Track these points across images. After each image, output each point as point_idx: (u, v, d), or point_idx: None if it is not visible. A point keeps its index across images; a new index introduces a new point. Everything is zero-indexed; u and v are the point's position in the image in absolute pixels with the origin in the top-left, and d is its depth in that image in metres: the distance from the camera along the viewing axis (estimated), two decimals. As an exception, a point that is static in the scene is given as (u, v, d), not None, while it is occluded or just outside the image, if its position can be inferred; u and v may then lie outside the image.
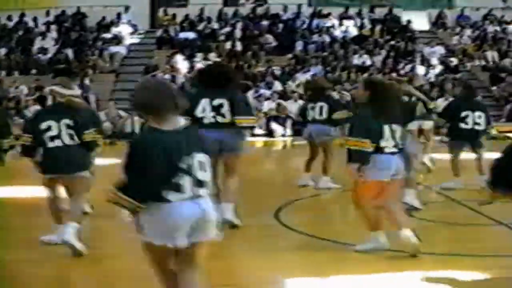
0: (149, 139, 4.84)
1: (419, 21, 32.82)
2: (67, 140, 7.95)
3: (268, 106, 25.05)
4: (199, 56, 28.87)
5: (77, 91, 8.72)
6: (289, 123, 24.33)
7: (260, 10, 32.83)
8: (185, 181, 4.75)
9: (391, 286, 6.70)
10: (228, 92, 8.69)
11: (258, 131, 22.27)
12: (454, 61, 29.38)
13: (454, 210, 10.82)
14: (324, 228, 9.30)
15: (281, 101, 25.34)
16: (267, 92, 26.03)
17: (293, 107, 24.71)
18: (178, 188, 4.74)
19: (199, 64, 27.38)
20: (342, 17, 32.47)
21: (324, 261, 7.56)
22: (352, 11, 32.93)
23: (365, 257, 7.58)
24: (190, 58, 28.73)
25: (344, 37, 31.20)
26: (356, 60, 29.27)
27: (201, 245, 4.92)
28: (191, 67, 27.90)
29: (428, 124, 13.37)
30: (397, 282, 6.79)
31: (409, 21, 32.20)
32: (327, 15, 32.44)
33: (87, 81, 25.95)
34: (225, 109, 8.67)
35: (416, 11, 33.37)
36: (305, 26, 32.04)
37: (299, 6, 32.85)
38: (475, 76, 28.74)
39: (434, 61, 29.05)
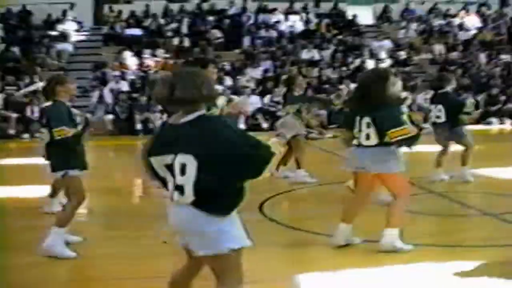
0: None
1: (364, 15, 33.14)
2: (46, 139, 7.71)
3: (220, 102, 24.79)
4: (147, 52, 28.65)
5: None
6: (242, 118, 24.26)
7: (205, 6, 32.72)
8: (169, 179, 4.37)
9: (395, 277, 6.68)
10: None
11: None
12: (402, 54, 29.68)
13: (437, 202, 10.85)
14: (312, 223, 9.22)
15: (233, 96, 25.22)
16: (218, 88, 25.86)
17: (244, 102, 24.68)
18: (164, 183, 4.43)
19: (148, 61, 27.27)
20: (287, 12, 32.58)
21: (324, 256, 7.55)
22: (297, 6, 33.04)
23: (362, 250, 7.58)
24: (138, 54, 28.48)
25: (291, 32, 31.28)
26: (305, 54, 29.33)
27: (204, 259, 4.46)
28: (140, 64, 27.73)
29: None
30: (399, 273, 6.78)
31: (354, 16, 32.44)
32: (273, 10, 32.50)
33: (36, 79, 25.50)
34: None
35: (361, 5, 33.68)
36: (251, 21, 32.03)
37: (245, 1, 32.83)
38: (423, 70, 29.09)
39: (383, 55, 29.30)
